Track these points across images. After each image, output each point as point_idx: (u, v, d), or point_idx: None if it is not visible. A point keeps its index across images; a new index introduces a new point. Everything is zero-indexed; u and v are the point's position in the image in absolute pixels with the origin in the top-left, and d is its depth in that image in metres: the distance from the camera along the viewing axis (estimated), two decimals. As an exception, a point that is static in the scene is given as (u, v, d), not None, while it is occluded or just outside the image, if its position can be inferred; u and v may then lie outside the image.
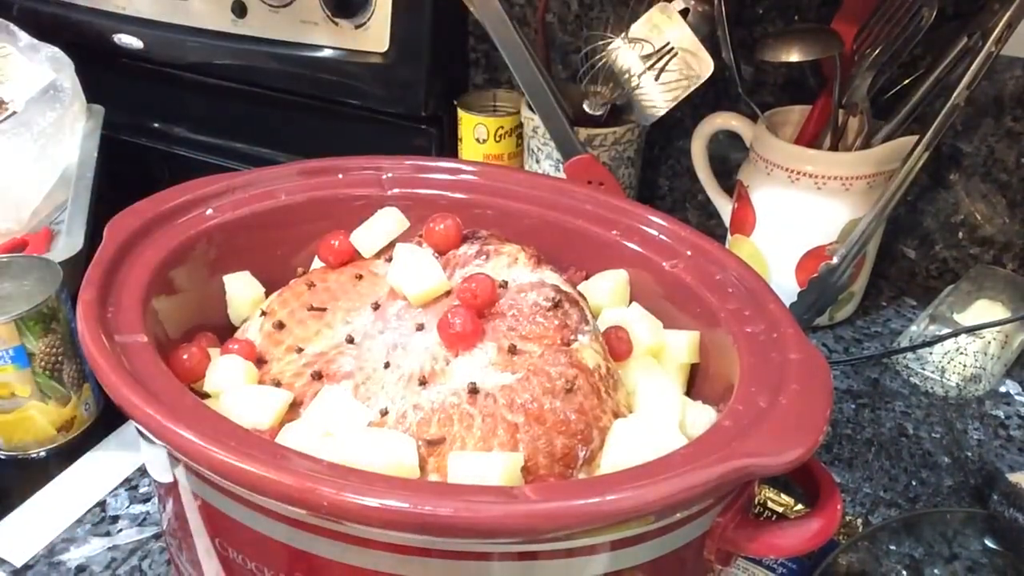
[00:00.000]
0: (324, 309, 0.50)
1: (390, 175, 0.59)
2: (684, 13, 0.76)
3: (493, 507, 0.33)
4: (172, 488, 0.41)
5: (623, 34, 0.77)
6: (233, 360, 0.47)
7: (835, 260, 0.71)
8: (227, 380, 0.46)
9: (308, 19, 0.88)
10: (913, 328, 0.75)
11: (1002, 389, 0.72)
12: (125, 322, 0.43)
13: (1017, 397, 0.71)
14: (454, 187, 0.59)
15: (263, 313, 0.51)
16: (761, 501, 0.56)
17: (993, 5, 0.63)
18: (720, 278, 0.50)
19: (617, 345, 0.48)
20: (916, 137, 0.66)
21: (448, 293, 0.49)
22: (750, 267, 0.51)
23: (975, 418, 0.68)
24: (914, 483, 0.62)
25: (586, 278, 0.55)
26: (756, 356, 0.44)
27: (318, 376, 0.46)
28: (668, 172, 0.93)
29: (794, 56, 0.67)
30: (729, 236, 0.81)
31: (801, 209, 0.73)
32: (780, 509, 0.56)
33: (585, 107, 0.78)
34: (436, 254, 0.52)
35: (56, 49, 0.88)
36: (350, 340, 0.48)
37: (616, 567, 0.37)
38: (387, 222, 0.55)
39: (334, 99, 0.92)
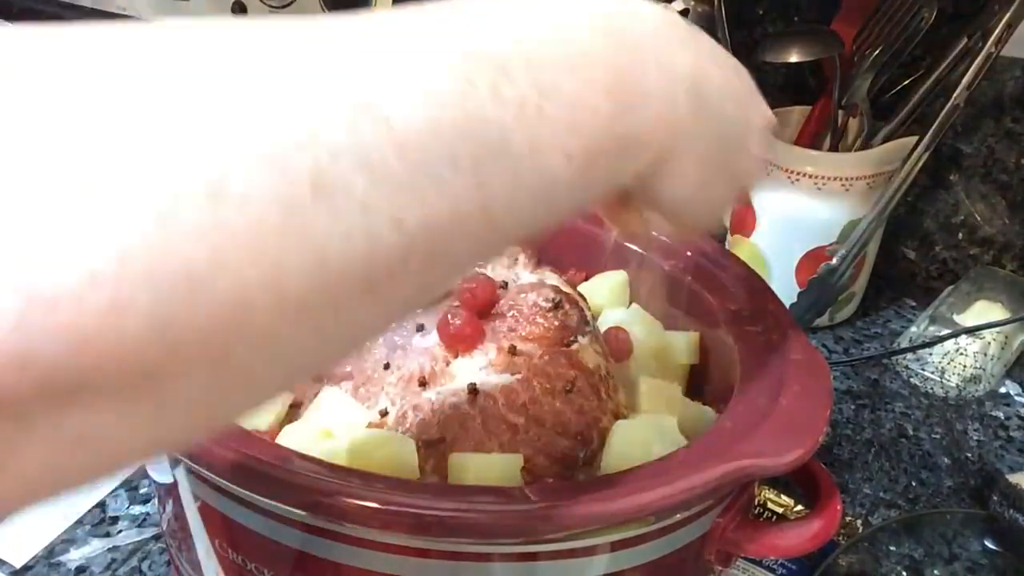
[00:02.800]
0: (324, 310, 0.50)
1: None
2: (684, 13, 0.76)
3: (493, 508, 0.33)
4: (172, 489, 0.41)
5: (623, 35, 0.77)
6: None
7: (835, 261, 0.71)
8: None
9: (308, 20, 0.88)
10: (913, 329, 0.75)
11: (1002, 390, 0.72)
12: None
13: (1017, 398, 0.71)
14: (454, 188, 0.59)
15: (263, 314, 0.51)
16: (761, 502, 0.56)
17: (993, 5, 0.63)
18: (720, 279, 0.50)
19: (617, 346, 0.48)
20: (916, 137, 0.66)
21: (448, 294, 0.49)
22: (750, 267, 0.51)
23: (975, 419, 0.68)
24: (914, 484, 0.62)
25: (586, 279, 0.55)
26: (756, 357, 0.44)
27: (318, 377, 0.46)
28: (668, 173, 0.93)
29: (794, 57, 0.67)
30: (729, 237, 0.81)
31: (801, 210, 0.73)
32: (780, 510, 0.56)
33: (585, 108, 0.78)
34: (436, 255, 0.52)
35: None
36: (350, 341, 0.48)
37: (616, 568, 0.37)
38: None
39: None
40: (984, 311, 0.74)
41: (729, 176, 0.32)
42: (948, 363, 0.71)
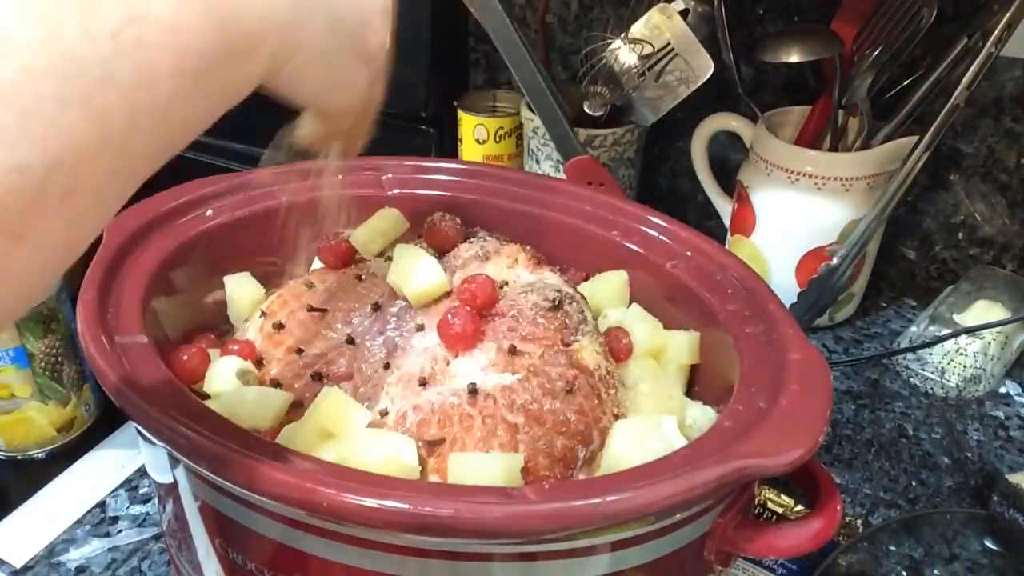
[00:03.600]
0: (324, 310, 0.50)
1: (390, 175, 0.59)
2: (684, 14, 0.76)
3: (493, 508, 0.33)
4: (172, 488, 0.41)
5: (623, 35, 0.77)
6: (233, 361, 0.47)
7: (835, 261, 0.71)
8: (227, 381, 0.46)
9: (308, 20, 0.88)
10: (913, 329, 0.75)
11: (1002, 390, 0.72)
12: (125, 322, 0.43)
13: (1017, 398, 0.71)
14: (454, 187, 0.59)
15: (263, 314, 0.51)
16: (761, 502, 0.56)
17: (993, 5, 0.63)
18: (720, 279, 0.50)
19: (617, 346, 0.48)
20: (916, 137, 0.66)
21: (448, 294, 0.49)
22: (750, 267, 0.51)
23: (975, 419, 0.68)
24: (914, 484, 0.62)
25: (586, 278, 0.55)
26: (756, 356, 0.44)
27: (318, 377, 0.46)
28: (668, 172, 0.93)
29: (794, 56, 0.67)
30: (729, 237, 0.81)
31: (801, 210, 0.73)
32: (780, 510, 0.56)
33: (585, 108, 0.78)
34: (436, 254, 0.52)
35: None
36: (350, 341, 0.48)
37: (616, 568, 0.37)
38: (387, 222, 0.55)
39: (334, 100, 0.92)
40: (984, 311, 0.74)
41: (358, 56, 0.34)
42: (948, 363, 0.71)
